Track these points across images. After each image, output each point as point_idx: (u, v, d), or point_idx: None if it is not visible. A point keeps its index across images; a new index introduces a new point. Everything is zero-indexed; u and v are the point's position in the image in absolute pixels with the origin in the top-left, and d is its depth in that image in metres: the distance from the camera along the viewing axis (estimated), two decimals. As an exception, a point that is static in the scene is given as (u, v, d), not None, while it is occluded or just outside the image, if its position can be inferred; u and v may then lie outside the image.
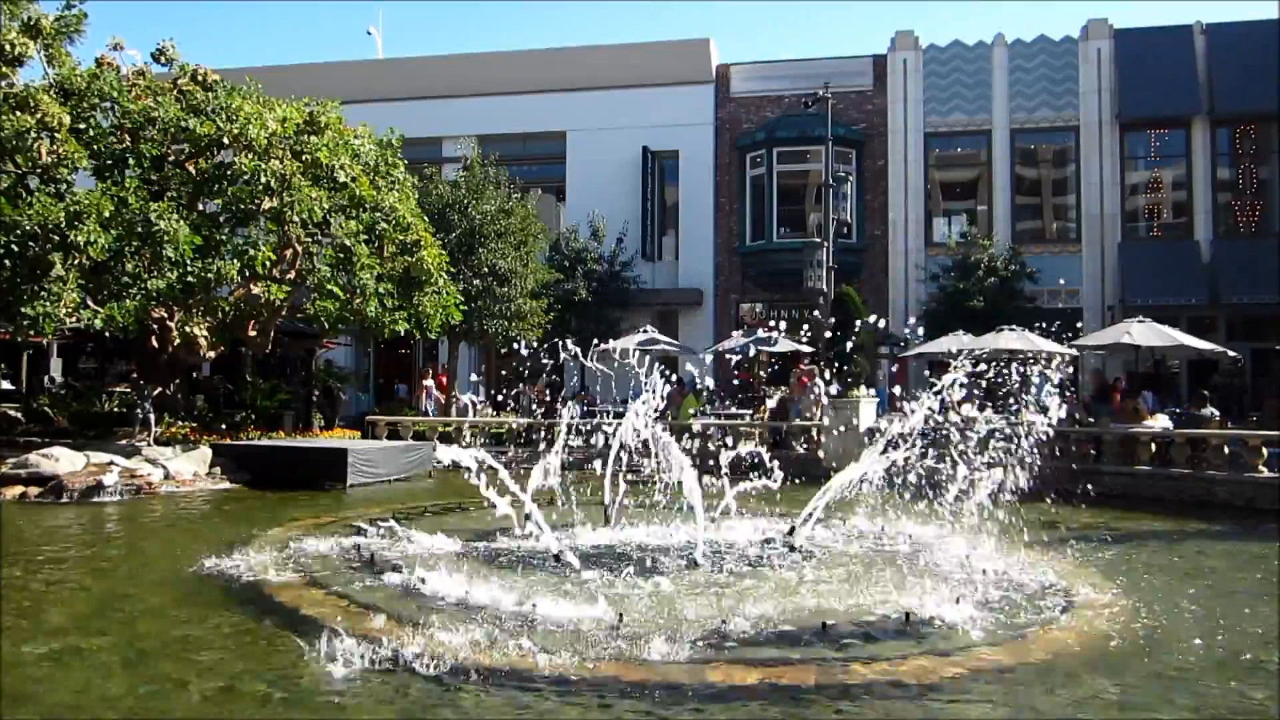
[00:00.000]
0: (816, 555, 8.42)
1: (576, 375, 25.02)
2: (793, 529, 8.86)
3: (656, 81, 27.44)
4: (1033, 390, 9.47)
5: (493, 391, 23.24)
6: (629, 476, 9.44)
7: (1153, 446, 13.98)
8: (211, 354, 17.08)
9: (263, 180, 14.47)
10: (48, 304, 13.28)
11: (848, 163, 25.76)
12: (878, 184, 26.37)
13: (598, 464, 9.42)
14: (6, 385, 21.38)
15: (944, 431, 8.82)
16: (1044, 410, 8.38)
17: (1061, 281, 24.17)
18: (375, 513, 10.94)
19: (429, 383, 21.83)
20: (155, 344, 16.26)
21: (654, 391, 8.79)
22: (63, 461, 13.10)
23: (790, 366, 21.23)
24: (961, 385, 8.39)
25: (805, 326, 22.98)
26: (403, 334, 18.09)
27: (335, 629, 5.45)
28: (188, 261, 14.25)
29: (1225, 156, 24.97)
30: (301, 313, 17.19)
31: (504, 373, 20.31)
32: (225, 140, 14.88)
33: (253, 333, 16.86)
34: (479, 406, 21.45)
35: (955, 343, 19.29)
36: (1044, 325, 18.60)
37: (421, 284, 17.50)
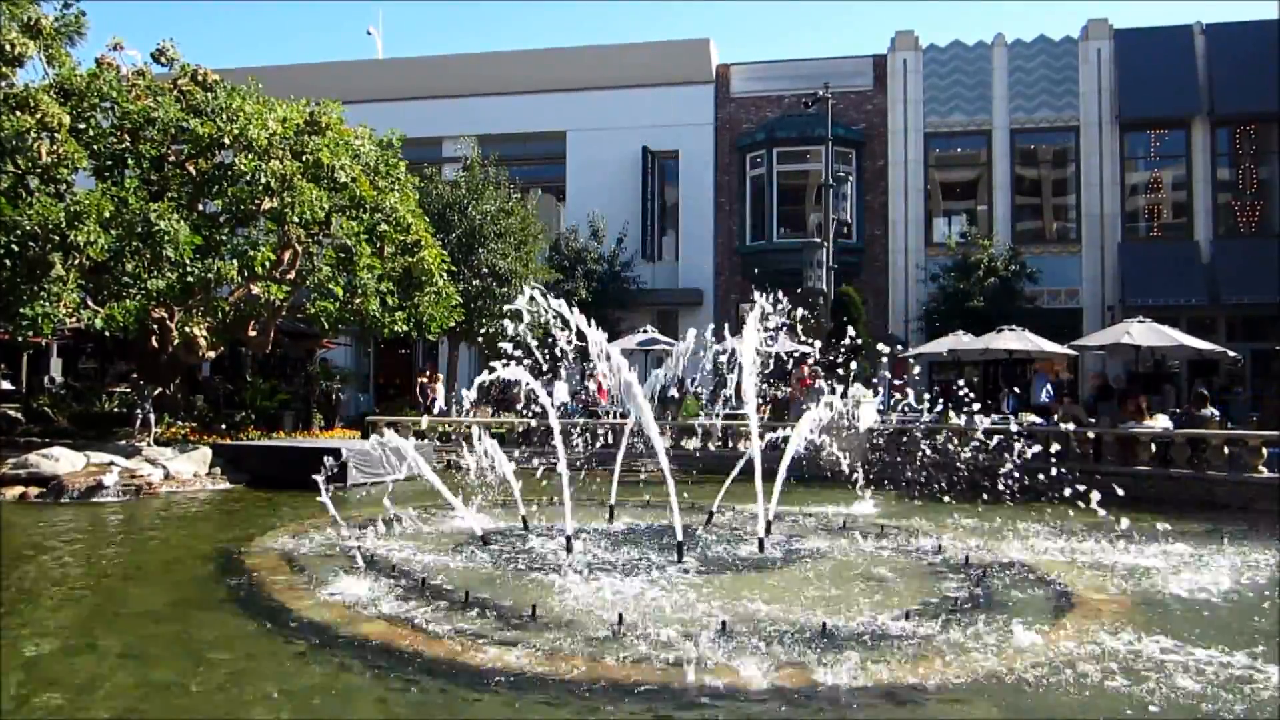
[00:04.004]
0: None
1: (576, 375, 25.02)
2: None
3: (656, 81, 27.45)
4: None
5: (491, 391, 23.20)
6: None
7: (1152, 447, 13.97)
8: (211, 354, 17.08)
9: (263, 180, 14.48)
10: (47, 304, 13.28)
11: (848, 163, 25.77)
12: (878, 184, 26.38)
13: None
14: (6, 385, 21.37)
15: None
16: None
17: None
18: (374, 513, 10.94)
19: (592, 385, 21.17)
20: (155, 344, 16.26)
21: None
22: (63, 462, 13.10)
23: (790, 367, 21.23)
24: None
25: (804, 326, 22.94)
26: (402, 334, 18.10)
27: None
28: (188, 262, 14.25)
29: (1225, 157, 24.99)
30: (301, 313, 17.19)
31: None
32: (225, 140, 14.88)
33: (252, 333, 16.87)
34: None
35: (955, 343, 19.33)
36: None
37: (422, 284, 17.50)
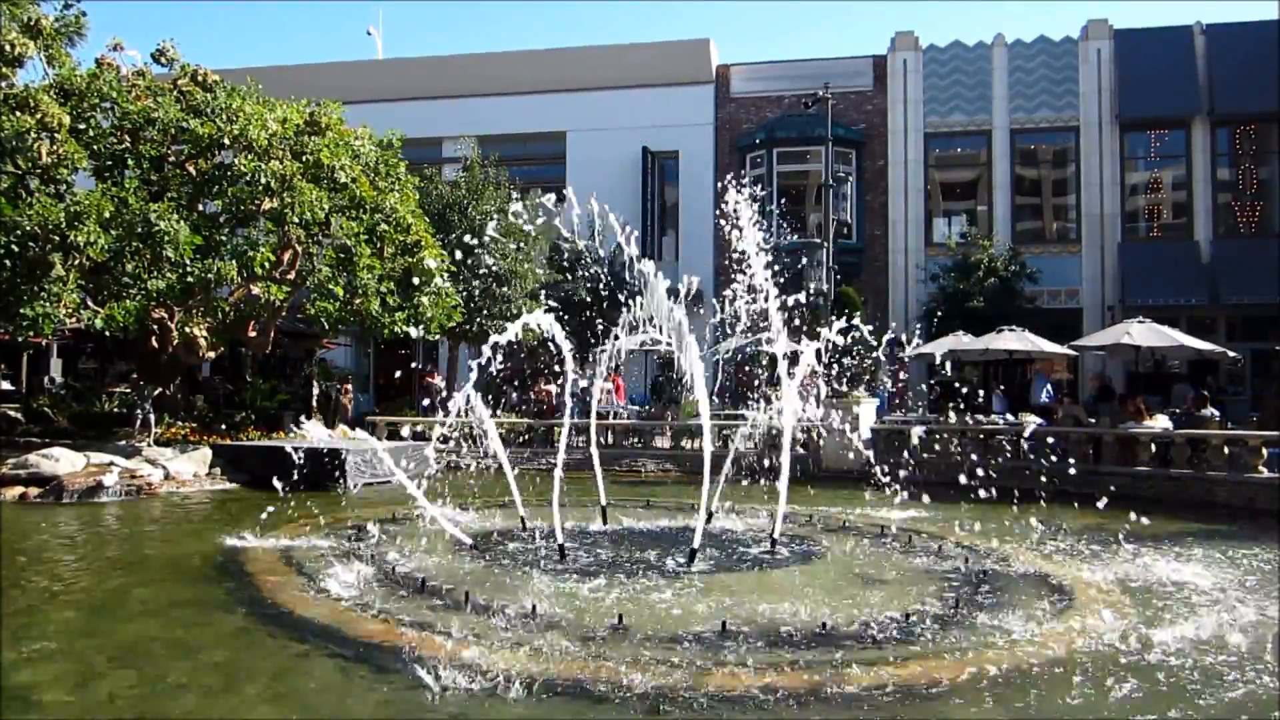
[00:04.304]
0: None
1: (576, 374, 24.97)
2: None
3: (656, 82, 27.45)
4: None
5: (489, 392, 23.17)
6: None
7: (1152, 447, 13.96)
8: (211, 354, 17.07)
9: (263, 181, 14.47)
10: (47, 304, 13.28)
11: (848, 163, 25.78)
12: (878, 184, 26.38)
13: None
14: (7, 385, 21.38)
15: None
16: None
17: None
18: (373, 514, 10.95)
19: (609, 385, 20.99)
20: (155, 344, 16.26)
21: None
22: (63, 462, 13.09)
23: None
24: None
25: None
26: (402, 335, 18.10)
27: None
28: (188, 262, 14.25)
29: (1225, 157, 24.99)
30: (302, 313, 17.19)
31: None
32: (225, 141, 14.87)
33: (252, 333, 16.87)
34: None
35: (955, 343, 19.32)
36: None
37: (421, 285, 17.50)
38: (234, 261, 14.84)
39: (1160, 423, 14.68)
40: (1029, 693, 4.79)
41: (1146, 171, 25.67)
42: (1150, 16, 53.94)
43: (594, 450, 10.78)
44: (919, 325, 24.71)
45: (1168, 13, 64.98)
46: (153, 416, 15.66)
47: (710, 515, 10.01)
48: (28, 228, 12.96)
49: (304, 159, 15.42)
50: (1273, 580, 7.70)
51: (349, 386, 22.41)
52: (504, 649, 5.29)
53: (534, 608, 6.09)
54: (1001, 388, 20.40)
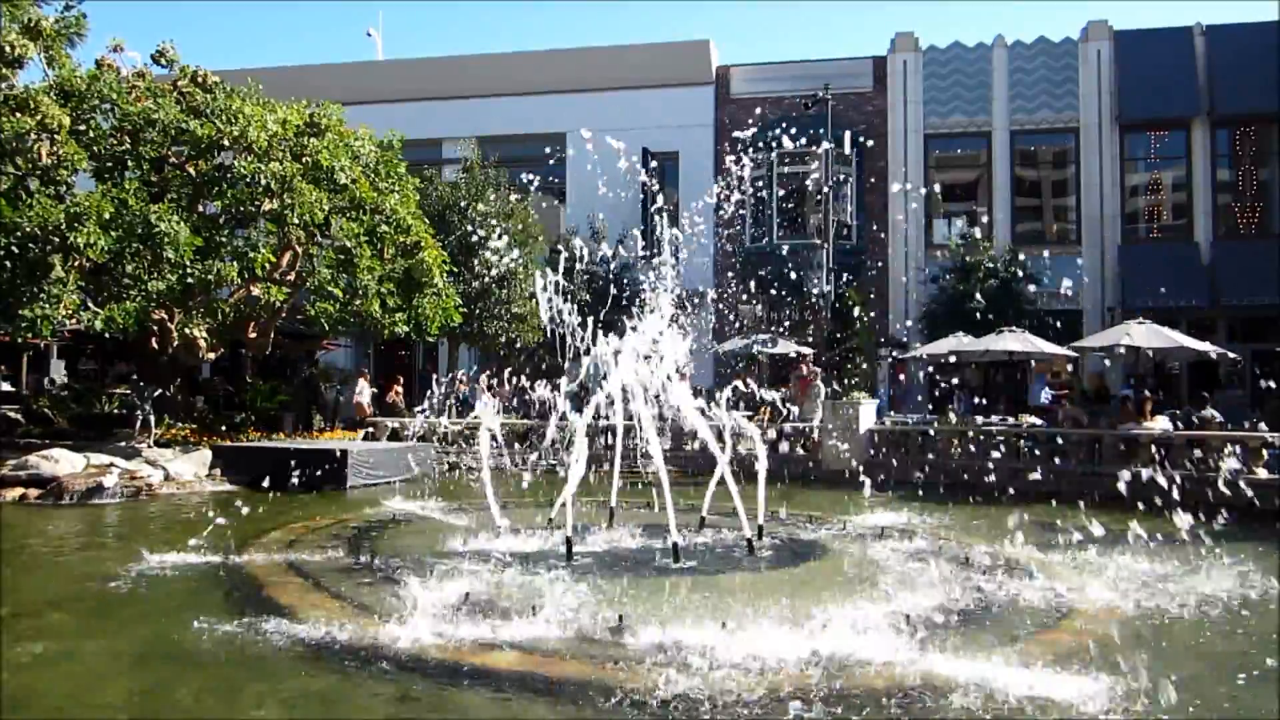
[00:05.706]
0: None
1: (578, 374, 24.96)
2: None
3: (656, 82, 27.45)
4: None
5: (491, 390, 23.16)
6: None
7: (1152, 448, 13.93)
8: (211, 355, 17.08)
9: (263, 182, 14.48)
10: (47, 306, 13.27)
11: (848, 164, 25.78)
12: (878, 185, 26.38)
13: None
14: (7, 386, 21.37)
15: None
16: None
17: (1067, 283, 23.79)
18: (371, 515, 10.96)
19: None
20: (155, 345, 16.27)
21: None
22: (63, 463, 13.09)
23: (790, 368, 21.24)
24: None
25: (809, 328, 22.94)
26: (401, 335, 18.13)
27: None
28: (188, 263, 14.25)
29: (1225, 158, 25.01)
30: (301, 314, 17.20)
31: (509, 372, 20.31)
32: (225, 142, 14.88)
33: (253, 334, 16.88)
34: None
35: (955, 344, 19.32)
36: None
37: (421, 285, 17.51)
38: (234, 263, 14.85)
39: (1160, 423, 14.67)
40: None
41: (1146, 173, 25.67)
42: (1150, 17, 54.02)
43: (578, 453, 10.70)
44: (919, 326, 24.73)
45: (1168, 13, 65.06)
46: (153, 417, 15.66)
47: (703, 521, 10.08)
48: (28, 229, 12.96)
49: (304, 160, 15.43)
50: None
51: (399, 388, 22.05)
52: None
53: (533, 608, 6.10)
54: (959, 389, 20.47)
